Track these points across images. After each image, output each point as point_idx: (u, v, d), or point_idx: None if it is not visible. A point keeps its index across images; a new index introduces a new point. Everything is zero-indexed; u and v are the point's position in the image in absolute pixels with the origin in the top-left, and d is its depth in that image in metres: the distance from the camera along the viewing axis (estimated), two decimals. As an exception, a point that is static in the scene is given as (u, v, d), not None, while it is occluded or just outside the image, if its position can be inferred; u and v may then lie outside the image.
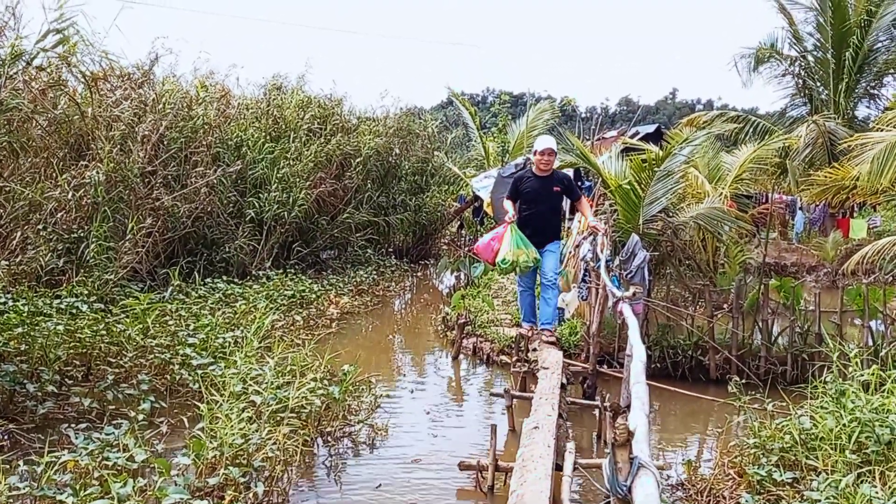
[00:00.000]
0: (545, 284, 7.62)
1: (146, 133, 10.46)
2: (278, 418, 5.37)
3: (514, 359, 7.56)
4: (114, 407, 5.99)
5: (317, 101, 16.09)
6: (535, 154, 7.72)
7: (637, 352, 3.97)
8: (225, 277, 11.15)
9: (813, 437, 5.03)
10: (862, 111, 22.12)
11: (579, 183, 13.22)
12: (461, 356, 9.30)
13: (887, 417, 4.90)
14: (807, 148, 18.93)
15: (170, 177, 11.01)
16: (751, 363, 8.01)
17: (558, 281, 8.29)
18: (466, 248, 18.01)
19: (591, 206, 9.08)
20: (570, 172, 14.71)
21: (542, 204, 7.66)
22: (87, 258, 8.84)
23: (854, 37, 20.29)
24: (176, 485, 4.13)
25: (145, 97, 11.10)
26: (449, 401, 7.72)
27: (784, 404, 5.69)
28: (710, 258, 11.31)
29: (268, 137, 13.80)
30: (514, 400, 6.55)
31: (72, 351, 6.72)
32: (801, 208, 22.30)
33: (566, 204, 9.06)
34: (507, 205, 7.66)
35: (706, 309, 8.47)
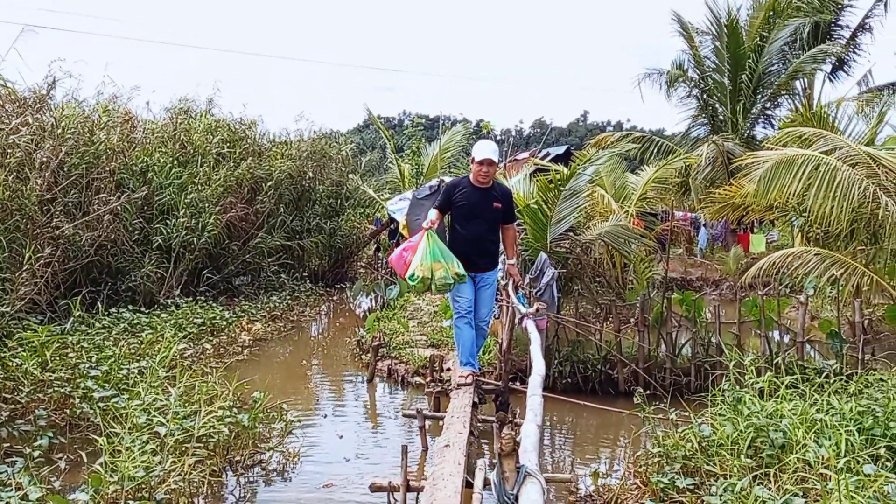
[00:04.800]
0: (478, 327, 6.57)
1: (44, 159, 10.07)
2: (183, 449, 5.23)
3: (429, 379, 7.58)
4: (8, 445, 5.71)
5: (226, 125, 15.83)
6: (472, 163, 6.43)
7: (536, 366, 4.05)
8: (131, 307, 10.79)
9: (712, 443, 5.23)
10: (760, 131, 23.27)
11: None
12: (377, 379, 9.26)
13: (780, 422, 5.15)
14: (707, 167, 19.77)
15: (70, 204, 10.62)
16: (657, 375, 8.26)
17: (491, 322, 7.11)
18: (382, 271, 18.03)
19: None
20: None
21: (479, 222, 6.42)
22: (-19, 290, 8.42)
23: (749, 60, 21.40)
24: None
25: (43, 122, 10.71)
26: (364, 424, 7.67)
27: (687, 413, 5.89)
28: (618, 275, 11.66)
29: (175, 162, 13.48)
30: (428, 420, 6.56)
31: (-37, 388, 6.39)
32: (704, 225, 23.22)
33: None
34: (432, 213, 6.36)
35: (614, 324, 8.70)
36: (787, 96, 22.71)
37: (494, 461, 3.14)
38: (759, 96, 22.28)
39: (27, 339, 7.34)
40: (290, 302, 14.44)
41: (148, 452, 4.92)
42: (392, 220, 17.79)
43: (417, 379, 8.85)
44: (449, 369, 8.00)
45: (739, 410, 5.50)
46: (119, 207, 11.27)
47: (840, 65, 23.29)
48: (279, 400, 7.24)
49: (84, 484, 4.63)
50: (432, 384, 7.43)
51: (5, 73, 9.80)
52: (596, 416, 7.71)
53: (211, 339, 10.36)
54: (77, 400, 6.51)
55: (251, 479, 5.79)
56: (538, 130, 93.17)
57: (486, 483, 4.74)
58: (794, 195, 8.86)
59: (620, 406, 7.58)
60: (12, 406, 6.33)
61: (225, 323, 11.28)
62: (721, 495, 4.43)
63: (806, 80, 22.90)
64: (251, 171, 15.00)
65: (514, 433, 2.55)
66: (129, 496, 4.48)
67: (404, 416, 7.25)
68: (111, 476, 4.58)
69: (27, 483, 4.50)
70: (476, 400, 6.54)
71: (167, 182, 12.83)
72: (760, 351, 8.13)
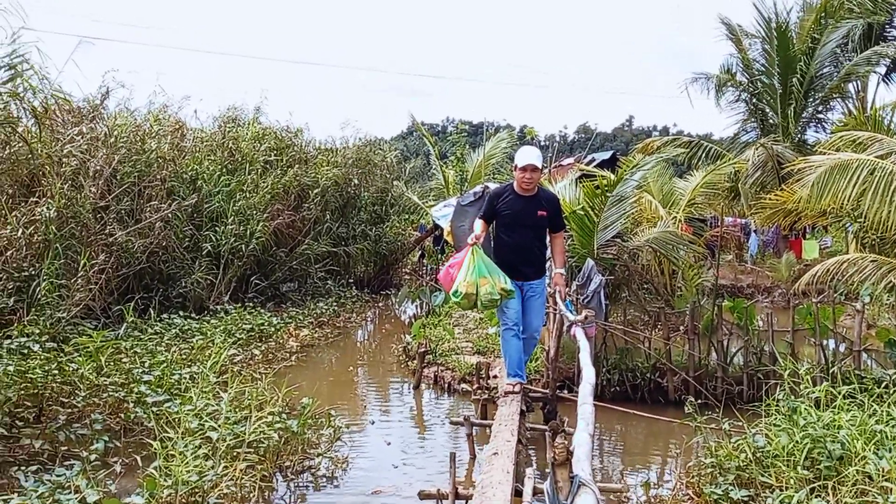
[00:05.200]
0: (527, 339, 6.47)
1: (98, 168, 10.33)
2: (235, 454, 5.30)
3: (475, 386, 7.56)
4: (66, 448, 5.84)
5: (273, 133, 16.07)
6: (515, 170, 6.30)
7: (586, 374, 4.00)
8: (182, 313, 10.99)
9: (767, 454, 5.11)
10: (811, 135, 22.73)
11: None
12: (423, 385, 9.27)
13: (838, 433, 5.01)
14: (757, 171, 19.38)
15: (123, 212, 10.89)
16: (708, 384, 8.10)
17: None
18: (427, 277, 18.08)
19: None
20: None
21: (524, 230, 6.32)
22: (39, 296, 8.65)
23: (800, 63, 20.91)
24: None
25: (97, 131, 10.98)
26: (411, 430, 7.68)
27: (740, 423, 5.77)
28: (667, 281, 11.49)
29: (223, 170, 13.72)
30: (475, 427, 6.54)
31: (23, 392, 6.54)
32: (754, 231, 22.77)
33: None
34: (477, 224, 6.31)
35: (663, 331, 8.57)
36: (839, 99, 22.13)
37: (547, 470, 3.12)
38: (811, 100, 21.75)
39: (83, 345, 7.51)
40: (336, 308, 14.57)
41: (200, 457, 4.99)
42: (437, 226, 17.82)
43: (464, 386, 8.82)
44: (495, 376, 7.97)
45: (795, 421, 5.36)
46: (170, 215, 11.51)
47: (895, 67, 22.64)
48: (327, 406, 7.29)
49: (139, 487, 4.71)
50: (479, 391, 7.40)
51: (64, 85, 10.08)
52: (645, 424, 7.59)
53: (259, 344, 10.49)
54: (131, 404, 6.64)
55: (301, 484, 5.84)
56: (583, 136, 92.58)
57: (536, 492, 4.70)
58: (848, 200, 8.62)
59: (670, 415, 7.45)
60: (69, 410, 6.49)
61: (273, 329, 11.42)
62: (777, 508, 4.34)
63: (859, 82, 22.28)
64: (298, 178, 15.19)
65: (566, 442, 2.52)
66: (183, 500, 4.56)
67: (451, 423, 7.22)
68: (165, 480, 4.67)
69: (84, 486, 4.61)
70: (524, 408, 6.50)
71: (216, 189, 13.06)
72: (815, 360, 7.93)
